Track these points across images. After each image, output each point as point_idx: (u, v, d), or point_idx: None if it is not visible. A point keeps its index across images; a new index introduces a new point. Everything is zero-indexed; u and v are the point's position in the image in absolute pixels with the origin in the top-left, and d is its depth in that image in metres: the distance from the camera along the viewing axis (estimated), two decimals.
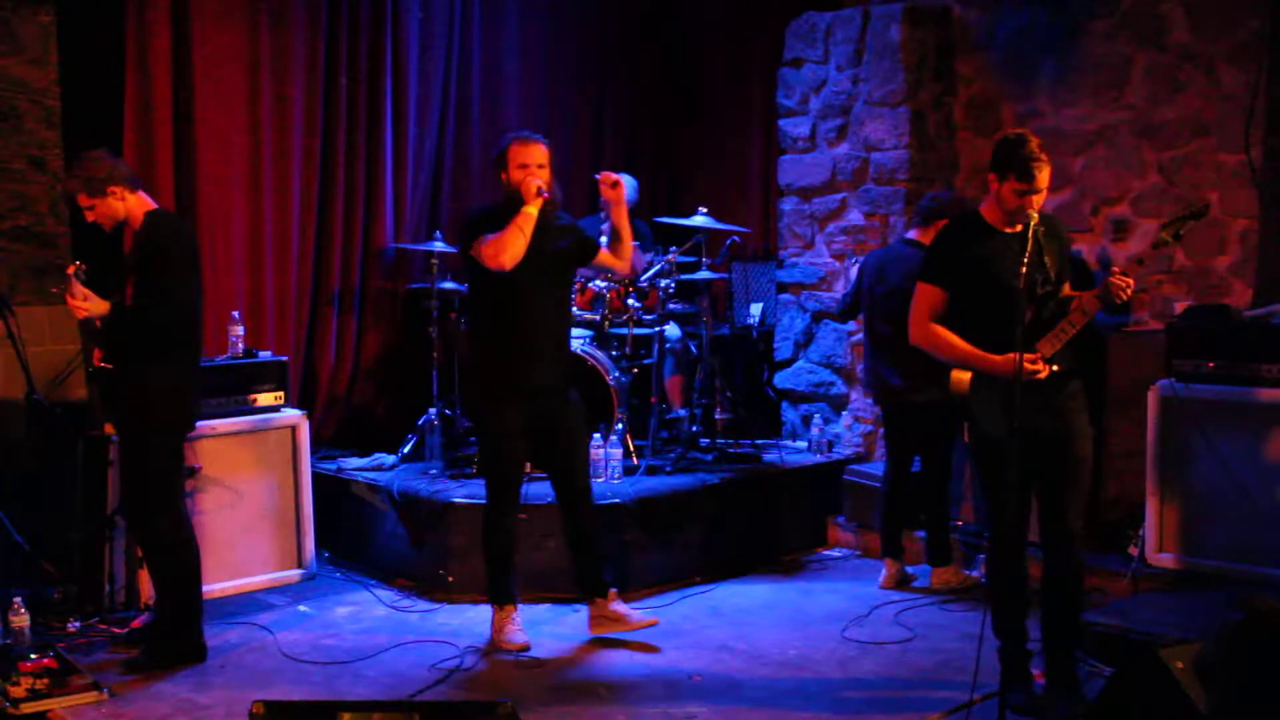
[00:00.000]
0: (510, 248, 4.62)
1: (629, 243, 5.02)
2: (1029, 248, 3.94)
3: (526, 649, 4.83)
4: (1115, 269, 4.02)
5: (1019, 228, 4.07)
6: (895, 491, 5.77)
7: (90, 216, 4.65)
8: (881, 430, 6.65)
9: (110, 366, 4.60)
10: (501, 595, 4.96)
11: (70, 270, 4.56)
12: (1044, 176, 4.04)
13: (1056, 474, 4.18)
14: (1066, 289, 4.17)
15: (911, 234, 5.67)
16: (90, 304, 4.53)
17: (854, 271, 6.40)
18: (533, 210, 4.66)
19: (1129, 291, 3.99)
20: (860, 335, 6.76)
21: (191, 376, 4.81)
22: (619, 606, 4.97)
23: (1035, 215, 4.03)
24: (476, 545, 5.54)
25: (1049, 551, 4.25)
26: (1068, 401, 4.17)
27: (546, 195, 4.69)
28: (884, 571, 5.74)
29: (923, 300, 4.25)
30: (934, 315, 4.24)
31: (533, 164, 4.73)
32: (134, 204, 4.63)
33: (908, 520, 5.84)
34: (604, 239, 5.06)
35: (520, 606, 5.04)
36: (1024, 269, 3.90)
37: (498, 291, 4.75)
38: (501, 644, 4.85)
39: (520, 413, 4.81)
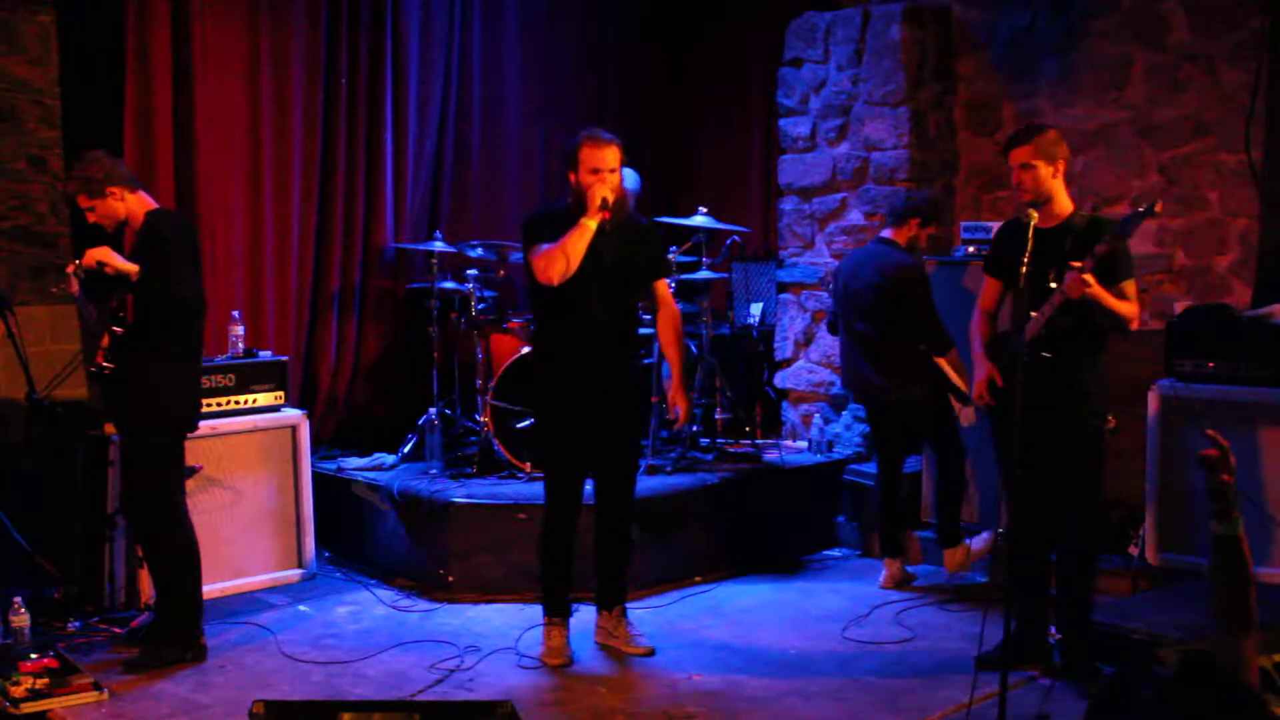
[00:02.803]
0: (560, 264, 4.48)
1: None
2: (1029, 246, 4.03)
3: (566, 665, 4.71)
4: (1073, 263, 4.11)
5: (1053, 224, 4.27)
6: (889, 491, 5.77)
7: (91, 218, 4.65)
8: None
9: (112, 366, 4.60)
10: (547, 604, 4.85)
11: (70, 269, 4.57)
12: (1020, 152, 4.27)
13: (1055, 469, 4.27)
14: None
15: (886, 233, 5.68)
16: (118, 260, 4.45)
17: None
18: (591, 224, 4.48)
19: (1083, 287, 4.08)
20: None
21: (193, 376, 4.82)
22: (625, 624, 4.92)
23: (1034, 214, 4.14)
24: (476, 545, 5.58)
25: (1058, 549, 4.44)
26: (1059, 391, 4.24)
27: (610, 209, 4.49)
28: (884, 571, 5.74)
29: (982, 289, 4.68)
30: (986, 305, 4.65)
31: (605, 168, 4.51)
32: (134, 204, 4.63)
33: (906, 519, 5.85)
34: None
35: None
36: (1024, 268, 4.00)
37: (555, 295, 4.59)
38: (540, 656, 4.77)
39: (577, 415, 4.67)
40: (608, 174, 4.54)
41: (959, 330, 5.45)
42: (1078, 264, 4.08)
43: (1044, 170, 4.26)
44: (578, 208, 4.53)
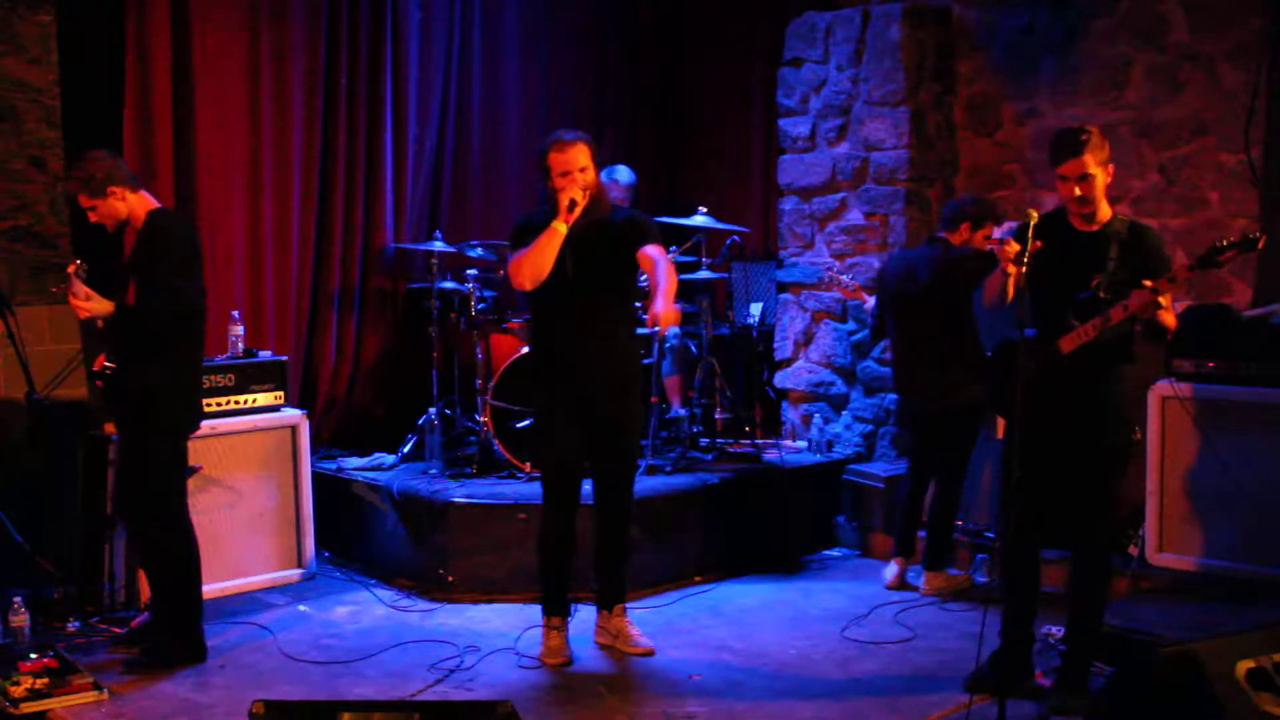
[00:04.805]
0: (527, 270, 4.49)
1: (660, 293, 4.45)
2: (1028, 246, 3.95)
3: (566, 665, 4.71)
4: (1146, 282, 3.96)
5: (1095, 228, 4.12)
6: (916, 495, 5.72)
7: (93, 217, 4.65)
8: (881, 430, 6.66)
9: (113, 366, 4.60)
10: (546, 604, 4.85)
11: (70, 269, 4.56)
12: (1084, 162, 4.02)
13: (1079, 479, 4.22)
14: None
15: (939, 235, 5.64)
16: (93, 304, 4.52)
17: (846, 279, 6.36)
18: (561, 228, 4.46)
19: (1156, 309, 3.94)
20: (861, 334, 6.77)
21: (195, 376, 4.82)
22: (624, 623, 4.92)
23: (1035, 215, 4.03)
24: (477, 545, 5.58)
25: (1072, 555, 4.36)
26: (1090, 404, 4.16)
27: (578, 210, 4.46)
28: (893, 568, 5.71)
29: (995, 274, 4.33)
30: None
31: (573, 169, 4.49)
32: (135, 203, 4.63)
33: (920, 521, 5.86)
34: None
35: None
36: (1024, 268, 3.92)
37: (546, 296, 4.59)
38: (540, 656, 4.77)
39: (572, 414, 4.67)
40: (577, 174, 4.51)
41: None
42: (1150, 283, 3.92)
43: (1101, 177, 4.09)
44: (553, 214, 4.51)
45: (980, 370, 5.30)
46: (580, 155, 4.53)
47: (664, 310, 4.34)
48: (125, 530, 5.21)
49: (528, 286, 4.54)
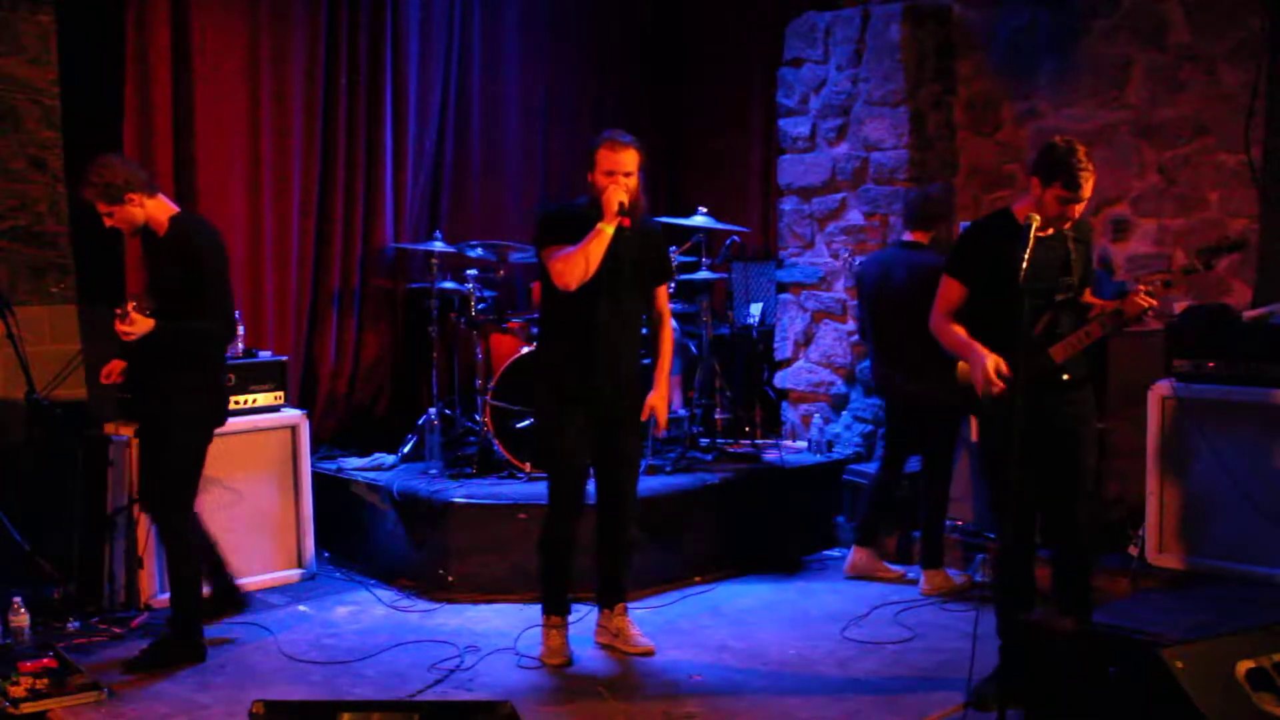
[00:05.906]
0: (580, 269, 4.47)
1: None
2: (1028, 251, 3.93)
3: (566, 665, 4.71)
4: (1141, 287, 4.01)
5: (1050, 231, 4.08)
6: (885, 488, 5.75)
7: (108, 223, 4.59)
8: (881, 430, 6.65)
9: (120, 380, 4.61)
10: (547, 603, 4.84)
11: (130, 306, 4.49)
12: (1089, 186, 4.00)
13: (1061, 477, 4.21)
14: (1088, 295, 4.20)
15: (907, 236, 5.65)
16: (138, 326, 4.46)
17: (857, 267, 6.38)
18: (608, 229, 4.46)
19: (1149, 313, 4.02)
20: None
21: (220, 375, 4.82)
22: (625, 623, 4.91)
23: (1037, 219, 3.99)
24: (477, 545, 5.58)
25: (1056, 552, 4.33)
26: (1077, 407, 4.19)
27: (626, 212, 4.47)
28: (851, 554, 5.77)
29: (943, 293, 4.27)
30: (951, 309, 4.25)
31: (619, 171, 4.48)
32: (153, 208, 4.60)
33: (894, 519, 5.85)
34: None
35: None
36: (1024, 264, 3.88)
37: (565, 295, 4.57)
38: (540, 656, 4.77)
39: (581, 415, 4.66)
40: (622, 177, 4.50)
41: None
42: (1145, 287, 3.97)
43: None
44: (594, 209, 4.52)
45: (948, 372, 5.31)
46: (630, 160, 4.54)
47: (664, 412, 4.84)
48: (125, 530, 5.21)
49: (573, 287, 4.51)
